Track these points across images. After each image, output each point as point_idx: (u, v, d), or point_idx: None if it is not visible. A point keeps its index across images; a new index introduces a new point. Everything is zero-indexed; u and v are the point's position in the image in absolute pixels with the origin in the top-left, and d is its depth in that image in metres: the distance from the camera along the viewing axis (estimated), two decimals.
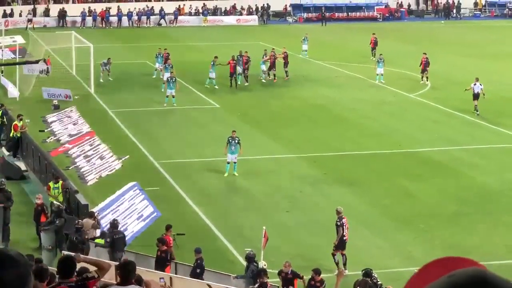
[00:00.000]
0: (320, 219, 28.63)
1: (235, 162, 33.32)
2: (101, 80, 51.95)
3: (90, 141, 37.97)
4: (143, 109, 45.68)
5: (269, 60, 53.44)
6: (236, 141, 33.29)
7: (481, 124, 42.53)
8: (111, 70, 52.73)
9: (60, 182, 27.53)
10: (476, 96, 45.02)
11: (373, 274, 20.56)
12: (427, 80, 53.03)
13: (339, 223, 24.66)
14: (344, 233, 24.53)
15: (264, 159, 35.91)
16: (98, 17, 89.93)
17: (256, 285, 15.62)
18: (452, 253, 25.60)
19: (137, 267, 19.58)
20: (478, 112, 44.46)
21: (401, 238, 27.02)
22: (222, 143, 36.38)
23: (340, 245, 24.60)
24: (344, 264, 24.52)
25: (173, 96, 45.64)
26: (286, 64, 54.23)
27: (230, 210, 29.52)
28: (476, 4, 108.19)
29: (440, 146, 38.31)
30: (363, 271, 20.66)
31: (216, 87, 50.54)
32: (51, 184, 27.49)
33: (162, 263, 22.32)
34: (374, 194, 31.41)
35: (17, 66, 47.45)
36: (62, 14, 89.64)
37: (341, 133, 40.24)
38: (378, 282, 20.59)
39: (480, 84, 45.18)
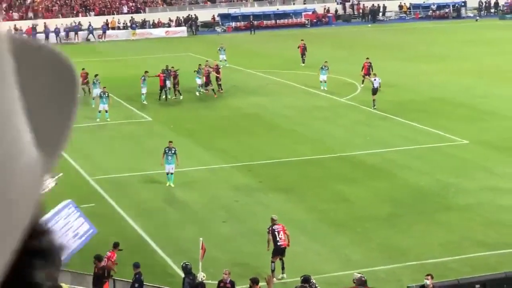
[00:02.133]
0: (257, 228, 28.67)
1: (171, 173, 33.28)
2: None
3: None
4: (75, 125, 44.94)
5: (204, 77, 52.93)
6: (173, 152, 33.33)
7: (412, 126, 43.14)
8: None
9: None
10: (375, 91, 47.47)
11: (311, 280, 20.74)
12: (362, 84, 53.72)
13: (269, 230, 24.80)
14: (278, 239, 24.62)
15: (199, 170, 35.90)
16: (24, 35, 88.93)
17: None
18: (389, 253, 25.97)
19: (75, 286, 19.47)
20: (375, 107, 47.04)
21: (339, 242, 27.25)
22: (156, 156, 36.37)
23: (276, 251, 24.72)
24: (283, 269, 24.69)
25: (106, 111, 45.40)
26: (218, 78, 53.89)
27: (167, 223, 29.44)
28: (401, 7, 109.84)
29: (372, 149, 38.72)
30: (302, 278, 20.83)
31: (145, 102, 50.22)
32: None
33: (99, 280, 22.19)
34: (310, 200, 31.62)
35: None
36: None
37: (274, 141, 40.43)
38: None
39: (379, 79, 48.09)
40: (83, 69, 52.98)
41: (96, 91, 48.49)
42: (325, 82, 53.84)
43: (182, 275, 22.69)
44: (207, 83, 53.03)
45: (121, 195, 32.50)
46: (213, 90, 52.98)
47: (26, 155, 1.14)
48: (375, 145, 39.37)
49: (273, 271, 24.34)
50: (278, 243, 24.76)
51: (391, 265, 25.33)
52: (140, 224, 29.09)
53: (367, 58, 54.08)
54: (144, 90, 50.25)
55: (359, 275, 21.24)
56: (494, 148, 38.20)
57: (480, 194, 31.96)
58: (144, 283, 22.06)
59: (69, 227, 28.54)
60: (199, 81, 53.33)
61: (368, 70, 52.95)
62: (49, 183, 33.74)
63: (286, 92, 54.05)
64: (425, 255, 25.92)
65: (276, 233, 24.90)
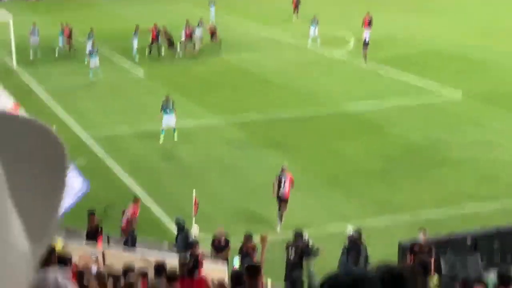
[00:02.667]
0: (250, 183, 28.84)
1: (174, 128, 33.41)
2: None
3: None
4: (68, 82, 45.08)
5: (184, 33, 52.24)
6: (171, 106, 33.35)
7: (405, 80, 43.09)
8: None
9: None
10: (365, 44, 47.65)
11: (304, 235, 20.83)
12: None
13: (276, 178, 25.42)
14: (281, 188, 25.15)
15: (192, 126, 35.83)
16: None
17: (188, 257, 15.72)
18: (382, 208, 26.10)
19: (67, 242, 19.54)
20: (366, 61, 47.25)
21: (331, 197, 27.36)
22: (149, 112, 36.46)
23: (278, 200, 25.14)
24: (280, 221, 24.97)
25: (97, 67, 45.22)
26: (214, 36, 53.22)
27: (161, 178, 29.48)
28: None
29: (365, 104, 38.69)
30: (294, 232, 20.92)
31: (137, 57, 49.83)
32: None
33: (94, 235, 22.26)
34: (303, 155, 31.67)
35: None
36: None
37: (267, 96, 40.35)
38: (310, 242, 20.86)
39: (369, 33, 48.47)
40: (66, 24, 52.68)
41: (89, 47, 48.20)
42: (317, 36, 53.45)
43: (175, 231, 22.76)
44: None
45: (114, 151, 32.49)
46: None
47: (17, 249, 1.15)
48: (368, 101, 39.33)
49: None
50: (280, 192, 25.22)
51: (383, 220, 25.46)
52: (134, 180, 29.13)
53: (368, 12, 53.37)
54: (135, 45, 49.89)
55: (350, 231, 21.33)
56: (487, 102, 38.23)
57: (472, 148, 32.05)
58: (137, 238, 22.14)
59: None
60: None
61: (368, 25, 52.48)
62: None
63: (279, 47, 53.79)
64: (417, 210, 26.06)
65: (282, 182, 25.39)
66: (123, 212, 23.84)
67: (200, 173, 29.70)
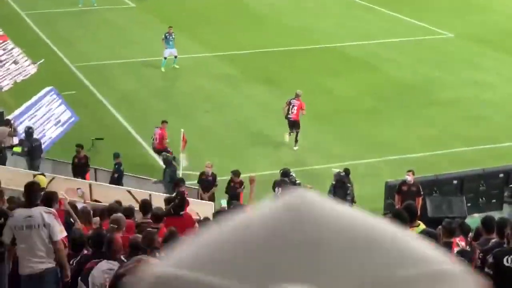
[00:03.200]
0: (239, 119, 28.76)
1: (176, 56, 33.62)
2: None
3: (2, 46, 37.00)
4: (56, 10, 44.61)
5: None
6: (173, 37, 33.70)
7: (396, 17, 42.81)
8: None
9: None
10: None
11: (291, 173, 20.86)
12: None
13: (287, 102, 26.68)
14: (289, 112, 26.34)
15: (182, 59, 35.51)
16: None
17: (173, 194, 15.71)
18: (370, 148, 26.08)
19: (55, 175, 19.53)
20: None
21: (320, 135, 27.31)
22: (139, 44, 36.26)
23: (288, 123, 26.32)
24: (296, 142, 26.12)
25: None
26: None
27: (150, 112, 29.31)
28: None
29: (356, 41, 38.49)
30: (281, 171, 20.94)
31: None
32: None
33: (81, 169, 22.22)
34: (293, 92, 31.47)
35: None
36: None
37: (259, 31, 40.05)
38: (297, 181, 20.90)
39: None
40: None
41: None
42: None
43: (163, 165, 22.74)
44: None
45: (103, 83, 32.30)
46: None
47: None
48: (359, 37, 39.10)
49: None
50: (288, 116, 26.35)
51: (370, 159, 25.46)
52: (122, 114, 29.01)
53: None
54: None
55: (337, 170, 21.38)
56: (480, 42, 38.00)
57: (463, 88, 31.96)
58: (124, 173, 22.13)
59: (51, 114, 28.47)
60: None
61: None
62: (31, 69, 33.51)
63: None
64: (404, 150, 26.05)
65: (290, 106, 26.52)
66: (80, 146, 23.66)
67: (189, 108, 29.56)
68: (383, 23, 41.92)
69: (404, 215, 10.02)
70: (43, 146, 24.12)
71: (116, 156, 22.37)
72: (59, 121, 28.07)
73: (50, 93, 30.40)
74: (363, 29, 40.60)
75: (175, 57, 33.94)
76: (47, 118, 28.24)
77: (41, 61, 34.45)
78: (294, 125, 26.33)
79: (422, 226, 11.03)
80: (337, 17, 43.70)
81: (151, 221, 12.72)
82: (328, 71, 33.98)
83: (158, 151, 24.54)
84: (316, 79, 32.94)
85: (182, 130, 23.31)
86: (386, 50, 37.14)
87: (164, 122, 24.92)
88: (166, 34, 33.95)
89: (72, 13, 43.98)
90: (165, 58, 33.63)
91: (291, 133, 26.35)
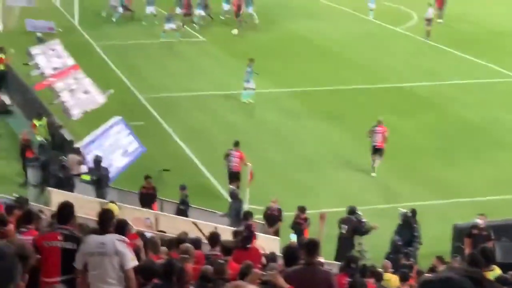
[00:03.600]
0: (305, 155, 28.74)
1: (252, 89, 34.23)
2: (113, 20, 50.66)
3: (74, 75, 37.65)
4: (128, 42, 45.26)
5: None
6: (251, 69, 34.08)
7: (466, 58, 42.46)
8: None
9: (44, 119, 27.37)
10: (428, 21, 46.73)
11: (357, 212, 20.73)
12: (442, 19, 50.83)
13: (367, 131, 27.71)
14: (375, 139, 27.37)
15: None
16: None
17: (241, 227, 15.74)
18: (436, 188, 25.79)
19: (123, 204, 19.68)
20: (429, 38, 46.40)
21: (386, 175, 27.12)
22: (208, 77, 36.57)
23: (373, 150, 27.38)
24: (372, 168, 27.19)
25: (175, 30, 45.38)
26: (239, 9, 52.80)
27: (216, 145, 29.43)
28: None
29: (424, 81, 38.28)
30: (348, 209, 20.82)
31: (199, 24, 49.54)
32: (35, 122, 27.21)
33: (149, 200, 22.35)
34: (358, 129, 31.32)
35: None
36: None
37: (325, 67, 40.07)
38: (363, 220, 20.76)
39: (432, 9, 47.49)
40: None
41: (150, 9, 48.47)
42: (372, 10, 52.77)
43: (229, 199, 22.79)
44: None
45: (171, 114, 32.58)
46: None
47: None
48: (427, 77, 38.90)
49: None
50: (374, 143, 27.31)
51: (437, 200, 25.20)
52: (189, 145, 29.19)
53: None
54: (198, 12, 49.31)
55: (403, 210, 21.17)
56: None
57: None
58: (190, 205, 22.22)
59: (118, 144, 28.80)
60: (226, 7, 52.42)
61: (441, 4, 50.96)
62: (101, 99, 33.97)
63: (340, 18, 53.37)
64: (472, 192, 25.75)
65: (374, 134, 27.53)
66: (227, 156, 24.98)
67: (256, 142, 29.62)
68: (451, 63, 41.62)
69: (479, 259, 9.87)
70: (110, 175, 24.36)
71: (183, 188, 22.49)
72: (127, 151, 28.38)
73: (119, 123, 30.78)
74: (430, 69, 40.37)
75: (251, 89, 34.48)
76: (115, 147, 28.56)
77: (111, 91, 34.92)
78: (378, 152, 27.23)
79: (498, 271, 10.84)
80: (405, 55, 43.53)
81: (219, 253, 12.74)
82: (393, 110, 33.77)
83: (235, 174, 24.67)
84: (381, 116, 32.71)
85: (249, 164, 23.36)
86: (454, 90, 36.83)
87: (237, 143, 25.44)
88: (247, 67, 34.53)
89: (142, 45, 44.58)
90: (245, 89, 34.42)
91: (374, 160, 27.25)
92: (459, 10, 52.50)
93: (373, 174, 27.06)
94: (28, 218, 11.58)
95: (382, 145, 27.27)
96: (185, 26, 47.13)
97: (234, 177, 24.89)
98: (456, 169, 27.73)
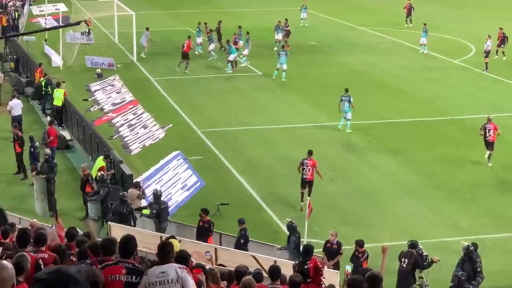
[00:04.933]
0: (364, 188, 28.56)
1: (348, 119, 34.72)
2: (143, 55, 51.54)
3: (133, 110, 38.12)
4: (186, 77, 45.64)
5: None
6: (348, 99, 34.60)
7: None
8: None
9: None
10: (487, 54, 46.67)
11: (418, 245, 20.47)
12: (503, 55, 50.25)
13: (482, 127, 30.95)
14: (487, 136, 30.68)
15: (307, 127, 35.80)
16: None
17: (301, 260, 15.63)
18: (499, 222, 25.38)
19: (182, 238, 19.70)
20: (487, 70, 46.30)
21: (446, 207, 26.81)
22: (265, 111, 36.69)
23: (486, 145, 30.65)
24: (489, 158, 30.44)
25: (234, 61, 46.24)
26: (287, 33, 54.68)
27: (274, 179, 29.46)
28: None
29: (484, 113, 37.78)
30: (409, 243, 20.56)
31: (247, 63, 49.93)
32: (103, 163, 27.00)
33: (205, 233, 22.36)
34: (419, 163, 31.19)
35: (60, 35, 47.62)
36: None
37: (383, 101, 39.92)
38: (424, 253, 20.49)
39: (491, 41, 47.33)
40: (205, 23, 53.06)
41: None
42: (425, 45, 52.53)
43: (287, 232, 22.67)
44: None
45: (229, 148, 32.66)
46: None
47: None
48: (487, 109, 38.40)
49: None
50: (486, 138, 30.64)
51: (500, 233, 24.79)
52: (247, 179, 29.19)
53: (501, 28, 50.87)
54: (246, 52, 49.42)
55: (466, 244, 20.83)
56: None
57: None
58: (250, 239, 22.16)
59: (177, 179, 28.99)
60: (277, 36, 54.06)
61: (502, 41, 50.15)
62: (159, 133, 34.29)
63: (396, 51, 53.30)
64: None
65: (487, 130, 30.65)
66: (301, 165, 26.57)
67: (314, 176, 29.48)
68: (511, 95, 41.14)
69: None
70: (169, 209, 24.45)
71: (241, 222, 22.43)
72: (186, 185, 28.53)
73: (178, 157, 31.02)
74: (490, 101, 39.97)
75: (347, 119, 35.01)
76: (174, 182, 28.75)
77: (169, 126, 35.24)
78: (490, 145, 30.58)
79: None
80: (463, 88, 43.21)
81: (280, 286, 12.65)
82: (454, 142, 33.49)
83: (308, 182, 26.48)
84: (442, 150, 32.52)
85: (308, 198, 23.27)
86: None
87: (311, 152, 27.19)
88: (342, 97, 35.19)
89: (200, 79, 44.91)
90: (344, 118, 35.03)
91: (487, 153, 30.56)
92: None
93: (490, 164, 30.57)
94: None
95: (494, 139, 30.56)
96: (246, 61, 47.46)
97: (307, 184, 26.52)
98: None
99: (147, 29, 52.12)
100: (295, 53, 51.10)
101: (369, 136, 34.48)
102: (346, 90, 35.48)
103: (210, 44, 50.64)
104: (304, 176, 26.67)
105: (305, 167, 26.67)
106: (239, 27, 51.87)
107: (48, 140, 30.29)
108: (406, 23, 62.38)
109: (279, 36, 54.02)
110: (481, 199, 27.44)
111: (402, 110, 38.35)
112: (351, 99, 34.81)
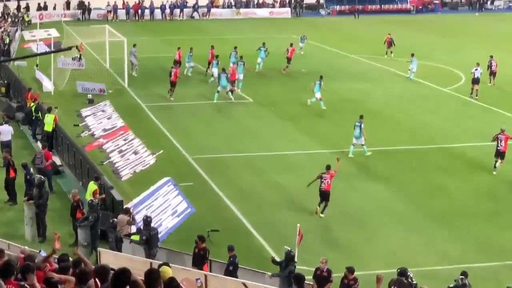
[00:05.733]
0: (354, 215, 28.59)
1: (363, 144, 35.17)
2: (134, 74, 51.94)
3: (124, 136, 38.12)
4: (177, 103, 45.72)
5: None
6: (359, 125, 35.07)
7: None
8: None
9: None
10: (476, 81, 47.17)
11: (408, 273, 20.44)
12: (493, 82, 51.80)
13: (494, 137, 33.60)
14: (499, 145, 33.27)
15: (297, 154, 35.87)
16: (131, 10, 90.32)
17: None
18: (488, 251, 25.41)
19: (172, 265, 19.64)
20: (477, 97, 46.96)
21: (436, 236, 26.82)
22: (256, 138, 36.68)
23: (496, 153, 33.27)
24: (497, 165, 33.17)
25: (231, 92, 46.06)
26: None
27: (264, 205, 29.46)
28: None
29: (474, 142, 38.04)
30: (398, 270, 20.53)
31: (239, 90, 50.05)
32: (95, 186, 27.02)
33: (200, 260, 22.30)
34: (409, 191, 31.24)
35: (52, 60, 47.70)
36: (83, 8, 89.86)
37: (374, 128, 39.95)
38: (413, 282, 20.46)
39: (481, 69, 47.95)
40: (212, 47, 53.44)
41: (215, 71, 49.52)
42: (413, 72, 53.00)
43: (278, 259, 22.62)
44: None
45: (219, 175, 32.65)
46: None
47: None
48: (477, 138, 38.65)
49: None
50: (498, 147, 33.22)
51: (489, 262, 24.80)
52: (237, 206, 29.18)
53: (491, 56, 52.45)
54: (241, 76, 49.72)
55: (461, 276, 20.74)
56: None
57: None
58: (239, 266, 22.11)
59: (167, 205, 28.96)
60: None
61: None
62: (150, 159, 34.27)
63: (388, 79, 53.58)
64: None
65: (498, 140, 33.25)
66: (319, 178, 27.86)
67: (304, 203, 29.54)
68: (502, 124, 41.14)
69: None
70: (159, 235, 24.40)
71: (231, 249, 22.37)
72: (176, 211, 28.49)
73: (168, 183, 31.00)
74: (480, 129, 40.15)
75: (362, 145, 35.44)
76: (164, 208, 28.72)
77: (160, 152, 35.24)
78: (501, 155, 33.14)
79: None
80: (453, 116, 43.39)
81: None
82: (444, 171, 33.60)
83: (325, 194, 28.11)
84: (432, 179, 32.61)
85: (298, 225, 23.24)
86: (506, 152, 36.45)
87: (329, 167, 28.70)
88: (356, 123, 35.50)
89: (191, 106, 45.00)
90: (353, 144, 35.55)
91: (497, 161, 33.23)
92: (500, 72, 52.30)
93: (494, 173, 33.08)
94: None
95: (505, 149, 33.05)
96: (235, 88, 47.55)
97: (324, 196, 28.22)
98: (508, 231, 27.30)
99: (134, 45, 52.24)
100: (286, 80, 51.30)
101: (360, 163, 34.53)
102: (361, 117, 35.81)
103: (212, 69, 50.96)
104: (321, 188, 28.28)
105: (323, 180, 28.25)
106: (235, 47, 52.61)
107: (47, 163, 30.41)
108: (387, 54, 62.28)
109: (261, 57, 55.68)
110: (470, 228, 27.47)
111: (393, 137, 38.47)
112: (363, 126, 35.17)
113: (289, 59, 55.51)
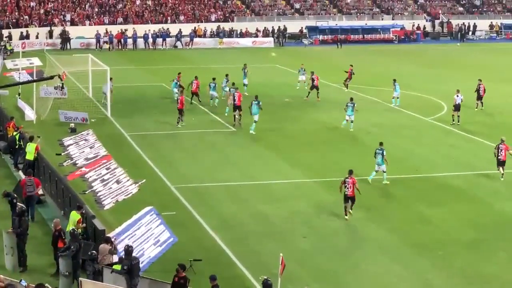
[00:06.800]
0: (338, 244, 28.51)
1: (384, 171, 35.75)
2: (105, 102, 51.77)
3: (106, 165, 37.96)
4: (160, 132, 45.66)
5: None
6: (381, 152, 35.62)
7: None
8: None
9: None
10: (457, 107, 48.23)
11: None
12: (482, 106, 53.60)
13: (495, 147, 36.67)
14: (499, 154, 36.26)
15: (281, 184, 35.81)
16: (114, 39, 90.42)
17: None
18: (472, 280, 25.36)
19: None
20: (459, 123, 48.06)
21: (420, 265, 26.72)
22: (239, 167, 36.63)
23: (498, 162, 36.33)
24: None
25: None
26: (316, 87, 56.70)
27: (247, 235, 29.31)
28: (492, 26, 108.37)
29: (457, 171, 38.13)
30: None
31: (226, 114, 50.02)
32: (78, 215, 26.82)
33: None
34: (392, 220, 31.20)
35: (34, 89, 47.56)
36: (65, 38, 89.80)
37: (358, 157, 40.02)
38: None
39: (461, 95, 48.71)
40: (196, 77, 53.48)
41: (213, 94, 50.84)
42: (398, 98, 53.71)
43: None
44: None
45: (202, 204, 32.54)
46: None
47: None
48: (460, 167, 38.76)
49: None
50: (498, 157, 36.30)
51: None
52: (220, 235, 29.03)
53: (480, 80, 53.78)
54: (229, 102, 50.00)
55: None
56: None
57: None
58: None
59: (150, 234, 28.75)
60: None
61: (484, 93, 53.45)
62: (133, 188, 34.13)
63: (371, 109, 53.69)
64: (509, 284, 25.26)
65: (499, 150, 36.28)
66: (343, 182, 28.13)
67: (287, 233, 29.44)
68: (485, 153, 41.23)
69: None
70: (141, 265, 24.21)
71: (213, 278, 22.23)
72: (158, 240, 28.29)
73: (150, 213, 30.79)
74: (462, 158, 40.28)
75: (383, 171, 35.98)
76: (147, 237, 28.50)
77: (142, 181, 35.10)
78: (502, 164, 36.02)
79: None
80: (435, 145, 43.51)
81: None
82: (427, 200, 33.59)
83: (351, 198, 30.73)
84: (415, 208, 32.59)
85: (281, 254, 23.12)
86: (487, 180, 36.62)
87: (351, 172, 31.27)
88: (377, 150, 36.08)
89: (174, 135, 44.93)
90: (376, 171, 36.11)
91: (499, 169, 36.24)
92: (498, 102, 52.69)
93: (501, 179, 36.15)
94: None
95: (505, 158, 36.00)
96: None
97: (349, 199, 30.81)
98: (492, 260, 27.23)
99: (110, 79, 52.08)
100: (269, 109, 51.31)
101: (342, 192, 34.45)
102: (381, 144, 36.34)
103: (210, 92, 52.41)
104: (346, 193, 30.74)
105: (346, 185, 30.62)
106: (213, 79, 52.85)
107: (37, 189, 30.35)
108: (346, 86, 61.47)
109: (245, 80, 57.26)
110: (454, 257, 27.40)
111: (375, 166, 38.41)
112: (384, 152, 35.57)
113: (316, 87, 56.12)
